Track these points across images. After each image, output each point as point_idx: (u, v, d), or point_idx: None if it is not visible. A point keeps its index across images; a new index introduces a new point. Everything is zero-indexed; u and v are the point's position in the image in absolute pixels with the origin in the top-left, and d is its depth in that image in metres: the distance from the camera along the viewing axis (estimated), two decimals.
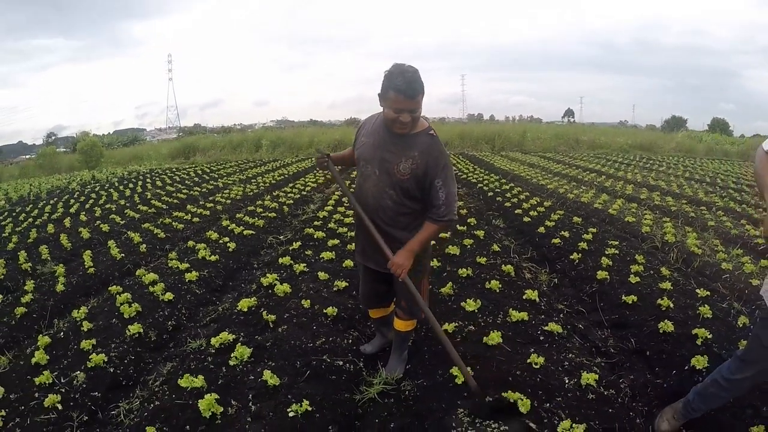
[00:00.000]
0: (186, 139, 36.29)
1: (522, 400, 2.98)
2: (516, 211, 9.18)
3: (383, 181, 3.09)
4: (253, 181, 15.06)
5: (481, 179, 13.98)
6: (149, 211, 10.79)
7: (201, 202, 11.37)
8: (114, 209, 11.36)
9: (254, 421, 2.97)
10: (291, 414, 3.02)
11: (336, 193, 11.40)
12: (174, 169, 21.56)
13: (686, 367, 3.64)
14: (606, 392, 3.36)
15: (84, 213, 11.29)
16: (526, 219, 8.49)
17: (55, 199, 14.49)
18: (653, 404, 3.45)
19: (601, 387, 3.38)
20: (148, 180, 17.73)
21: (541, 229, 7.64)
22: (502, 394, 3.06)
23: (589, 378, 3.33)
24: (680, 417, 3.09)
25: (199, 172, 19.46)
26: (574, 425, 2.82)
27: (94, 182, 18.81)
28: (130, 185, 16.43)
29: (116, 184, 17.05)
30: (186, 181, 16.24)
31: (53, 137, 63.77)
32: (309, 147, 29.74)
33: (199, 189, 13.82)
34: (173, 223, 8.98)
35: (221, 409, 3.03)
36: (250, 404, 3.14)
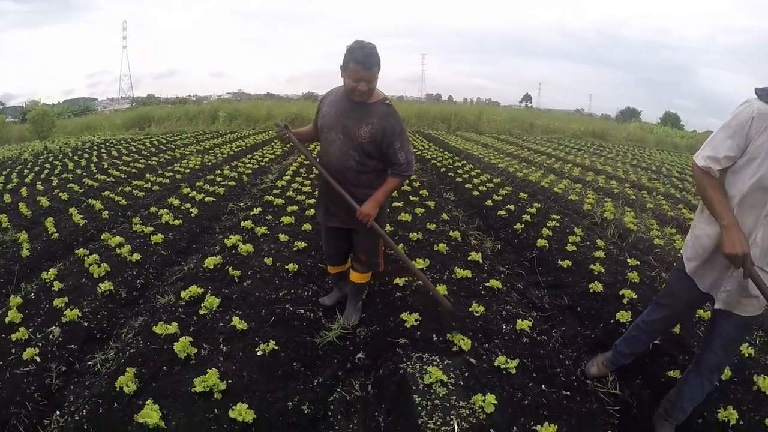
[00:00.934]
0: (140, 110, 35.08)
1: (464, 340, 3.44)
2: (466, 186, 9.67)
3: (346, 145, 3.45)
4: (210, 152, 15.07)
5: (435, 156, 14.41)
6: (108, 180, 10.71)
7: (160, 172, 11.37)
8: (71, 178, 11.19)
9: (226, 360, 3.28)
10: (259, 353, 3.37)
11: (293, 165, 11.61)
12: (129, 140, 21.13)
13: (612, 321, 4.13)
14: (539, 338, 3.83)
15: (40, 182, 11.09)
16: (476, 193, 8.97)
17: (8, 169, 14.00)
18: (582, 351, 3.96)
19: (534, 333, 3.85)
20: (104, 150, 17.31)
21: (489, 203, 8.13)
22: (447, 336, 3.49)
23: (523, 324, 3.81)
24: (609, 364, 3.54)
25: (155, 143, 19.17)
26: (508, 360, 3.28)
27: (47, 152, 18.33)
28: (86, 155, 16.05)
29: (70, 155, 16.61)
30: (143, 152, 16.04)
31: (1, 106, 61.63)
32: (266, 120, 29.39)
33: (156, 159, 13.78)
34: (134, 191, 9.04)
35: (195, 351, 3.32)
36: (221, 346, 3.44)
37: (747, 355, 3.72)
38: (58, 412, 3.16)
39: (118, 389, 2.93)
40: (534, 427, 2.75)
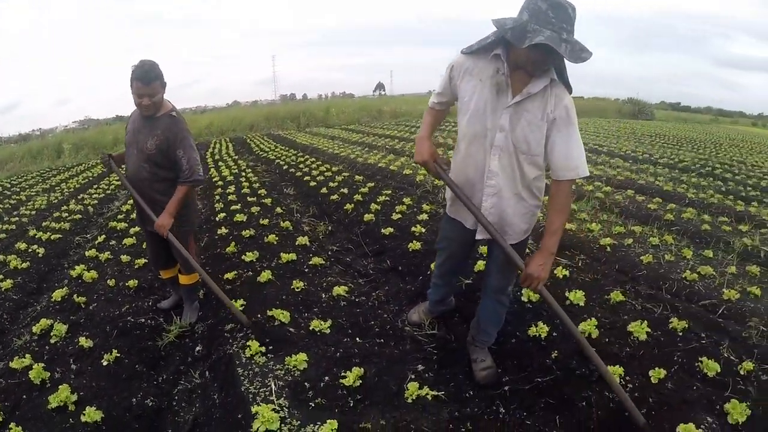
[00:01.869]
0: None
1: (283, 313, 3.81)
2: (305, 179, 10.02)
3: (139, 158, 3.73)
4: (57, 188, 14.33)
5: (280, 155, 14.65)
6: None
7: (6, 218, 10.87)
8: None
9: (77, 377, 3.49)
10: (105, 363, 3.62)
11: None
12: None
13: (428, 273, 4.62)
14: (357, 300, 4.32)
15: None
16: (312, 183, 9.38)
17: None
18: (403, 304, 4.40)
19: (353, 296, 4.33)
20: None
21: (324, 190, 8.56)
22: (268, 312, 3.85)
23: (340, 290, 4.27)
24: (428, 312, 3.96)
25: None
26: (321, 322, 3.71)
27: None
28: None
29: None
30: None
31: None
32: (114, 146, 28.12)
33: (1, 206, 13.07)
34: None
35: (48, 375, 3.49)
36: (72, 365, 3.65)
37: (561, 276, 4.38)
38: None
39: None
40: (344, 373, 3.16)
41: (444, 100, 2.95)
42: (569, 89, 2.61)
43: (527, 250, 3.26)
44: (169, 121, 3.69)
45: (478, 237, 2.98)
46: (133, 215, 8.08)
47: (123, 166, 4.13)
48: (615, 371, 3.01)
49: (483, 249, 4.50)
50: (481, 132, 2.72)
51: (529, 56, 2.41)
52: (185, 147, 3.71)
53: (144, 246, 5.92)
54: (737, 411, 2.69)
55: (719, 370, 3.08)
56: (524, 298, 3.97)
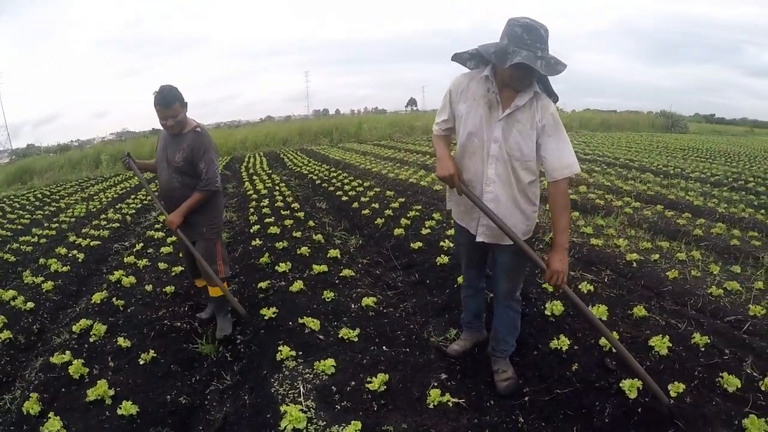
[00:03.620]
0: (21, 162, 32.94)
1: (313, 321, 3.99)
2: (337, 193, 10.27)
3: (169, 171, 4.15)
4: (95, 197, 14.70)
5: (312, 170, 14.93)
6: None
7: (46, 224, 11.13)
8: None
9: (114, 374, 3.70)
10: (141, 362, 3.84)
11: None
12: (12, 197, 20.09)
13: (455, 285, 4.78)
14: (385, 311, 4.46)
15: None
16: (344, 198, 9.62)
17: None
18: (429, 316, 4.59)
19: (381, 307, 4.48)
20: None
21: (356, 205, 8.79)
22: (299, 320, 4.04)
23: (368, 301, 4.44)
24: (464, 338, 3.99)
25: (39, 196, 18.17)
26: (350, 330, 3.87)
27: None
28: None
29: None
30: (27, 207, 15.33)
31: None
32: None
33: (42, 212, 13.23)
34: (21, 247, 8.93)
35: (87, 371, 3.71)
36: (110, 363, 3.87)
37: (586, 291, 4.48)
38: None
39: (25, 413, 3.32)
40: (369, 379, 3.30)
41: (449, 126, 3.22)
42: (555, 98, 2.98)
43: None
44: (194, 135, 4.10)
45: (478, 240, 3.21)
46: None
47: (145, 173, 4.77)
48: (633, 384, 3.07)
49: None
50: (478, 144, 3.03)
51: (512, 74, 2.76)
52: (207, 159, 4.08)
53: (180, 255, 6.14)
54: (755, 426, 2.72)
55: (740, 386, 3.10)
56: (547, 312, 4.07)
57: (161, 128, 4.12)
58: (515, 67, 2.63)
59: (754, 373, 3.31)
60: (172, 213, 4.12)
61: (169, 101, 3.90)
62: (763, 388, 3.15)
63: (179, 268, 5.79)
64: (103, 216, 10.71)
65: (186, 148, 4.05)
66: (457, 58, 3.05)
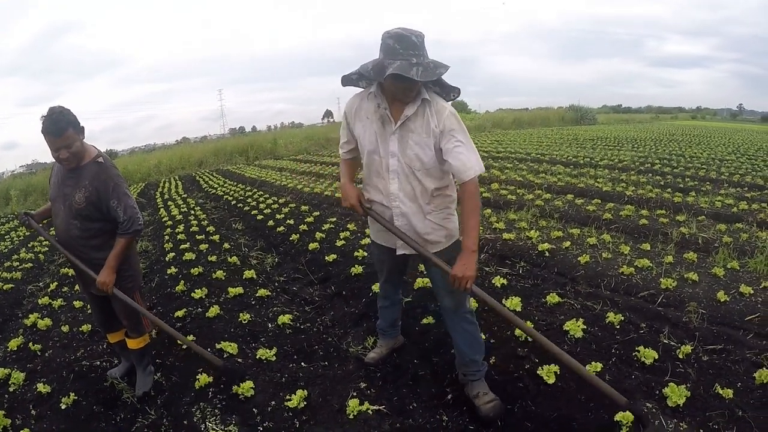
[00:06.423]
0: None
1: (231, 345, 4.01)
2: (252, 212, 10.21)
3: (68, 215, 3.35)
4: (6, 237, 14.15)
5: (228, 191, 14.74)
6: None
7: None
8: None
9: (37, 421, 3.60)
10: (63, 407, 3.71)
11: None
12: None
13: (371, 294, 4.91)
14: (303, 326, 4.54)
15: None
16: (260, 217, 9.56)
17: None
18: (347, 326, 4.65)
19: (299, 324, 4.55)
20: None
21: (271, 223, 8.77)
22: (216, 345, 4.04)
23: (284, 319, 4.50)
24: (381, 345, 4.01)
25: None
26: (267, 350, 3.92)
27: None
28: None
29: None
30: None
31: None
32: None
33: None
34: None
35: (9, 422, 3.58)
36: (32, 410, 3.75)
37: (499, 285, 4.72)
38: None
39: None
40: (288, 397, 3.35)
41: (352, 147, 3.25)
42: (456, 92, 3.02)
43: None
44: (96, 168, 3.32)
45: (399, 252, 3.24)
46: None
47: (47, 220, 3.84)
48: (551, 369, 3.27)
49: (422, 266, 4.76)
50: (378, 162, 3.06)
51: (393, 86, 2.78)
52: (119, 195, 3.33)
53: (89, 310, 5.46)
54: (676, 394, 2.94)
55: (657, 357, 3.36)
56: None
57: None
58: (392, 78, 2.67)
59: (672, 343, 3.62)
60: (100, 272, 3.35)
61: (61, 127, 3.07)
62: (680, 356, 3.41)
63: None
64: (15, 256, 10.26)
65: (88, 186, 3.26)
66: (347, 81, 3.08)
